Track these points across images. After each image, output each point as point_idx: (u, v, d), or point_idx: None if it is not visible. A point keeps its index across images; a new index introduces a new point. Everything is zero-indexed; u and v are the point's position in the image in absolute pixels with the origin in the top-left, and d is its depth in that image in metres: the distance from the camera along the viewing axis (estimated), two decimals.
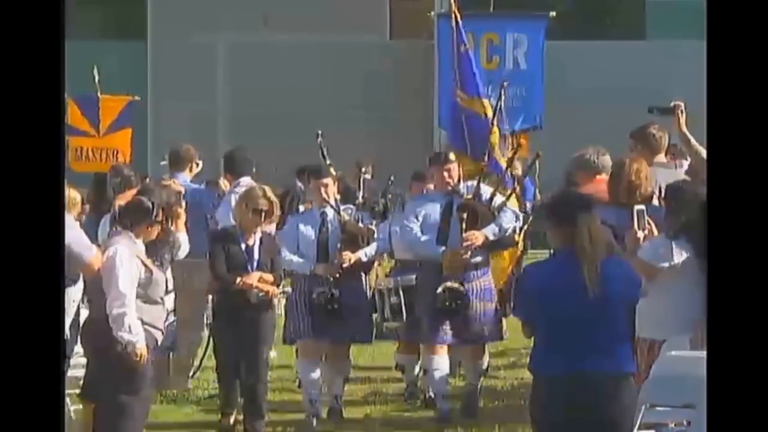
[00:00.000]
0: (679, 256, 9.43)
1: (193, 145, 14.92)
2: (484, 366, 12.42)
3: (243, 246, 11.61)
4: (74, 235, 9.92)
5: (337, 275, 11.86)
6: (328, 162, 12.62)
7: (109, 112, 16.17)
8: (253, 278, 11.50)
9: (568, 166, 11.58)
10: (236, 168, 14.32)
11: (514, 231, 12.14)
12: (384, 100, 27.11)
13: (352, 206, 12.60)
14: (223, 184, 14.59)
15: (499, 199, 12.10)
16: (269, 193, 11.74)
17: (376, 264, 13.09)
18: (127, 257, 9.85)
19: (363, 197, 13.20)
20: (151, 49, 29.09)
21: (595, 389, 7.53)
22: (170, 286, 11.05)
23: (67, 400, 10.84)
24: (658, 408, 8.89)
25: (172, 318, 11.23)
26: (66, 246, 9.79)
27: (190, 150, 14.57)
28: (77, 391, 10.75)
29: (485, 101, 13.80)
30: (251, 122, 25.23)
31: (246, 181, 13.93)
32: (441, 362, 12.03)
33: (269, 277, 11.59)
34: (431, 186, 12.77)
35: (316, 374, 12.00)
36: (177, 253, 11.35)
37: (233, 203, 12.77)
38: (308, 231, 12.12)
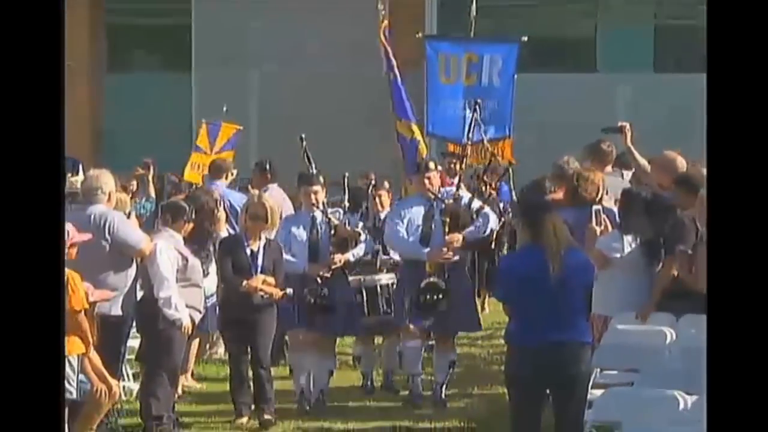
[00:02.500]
0: (628, 248, 9.49)
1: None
2: (453, 358, 11.10)
3: (248, 251, 10.49)
4: (128, 229, 10.01)
5: (328, 275, 10.80)
6: (315, 170, 11.65)
7: (223, 136, 16.10)
8: (257, 281, 10.40)
9: (552, 169, 11.34)
10: (266, 176, 14.31)
11: (491, 232, 11.30)
12: (383, 121, 27.09)
13: (339, 209, 11.64)
14: (252, 189, 14.56)
15: (477, 203, 11.13)
16: (265, 201, 10.74)
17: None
18: (165, 249, 9.98)
19: (349, 201, 11.98)
20: (195, 79, 29.06)
21: (559, 356, 7.53)
22: (212, 274, 11.02)
23: (126, 364, 10.87)
24: (607, 371, 8.89)
25: (213, 300, 11.18)
26: (122, 238, 9.90)
27: (227, 161, 14.56)
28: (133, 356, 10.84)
29: (413, 125, 13.37)
30: (277, 139, 25.18)
31: (272, 187, 13.89)
32: (415, 346, 10.97)
33: (272, 280, 10.47)
34: (384, 194, 11.92)
35: (307, 364, 10.94)
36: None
37: None
38: (300, 233, 10.94)
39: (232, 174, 14.61)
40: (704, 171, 10.65)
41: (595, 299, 7.97)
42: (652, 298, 9.28)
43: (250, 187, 15.14)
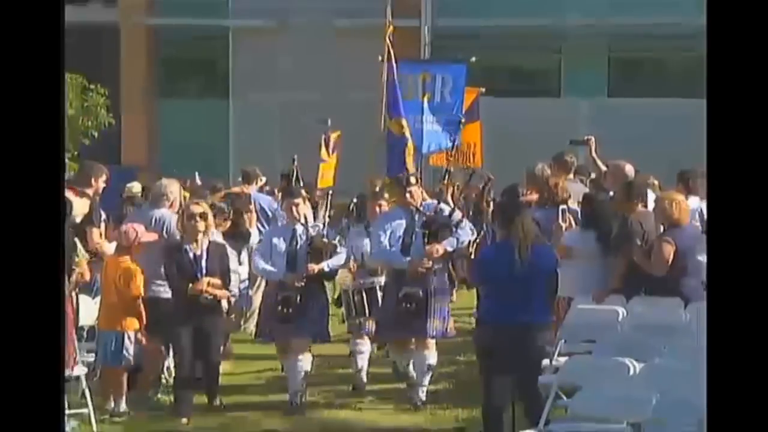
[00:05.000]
0: (587, 241, 9.46)
1: (258, 167, 14.87)
2: (432, 362, 9.73)
3: (191, 255, 9.19)
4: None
5: (303, 283, 9.49)
6: (301, 184, 10.78)
7: (335, 144, 15.73)
8: (202, 284, 9.13)
9: (526, 175, 11.11)
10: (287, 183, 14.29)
11: (469, 243, 9.84)
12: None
13: (319, 224, 10.19)
14: (278, 193, 14.53)
15: (457, 216, 9.77)
16: (198, 203, 9.56)
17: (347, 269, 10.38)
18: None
19: (329, 215, 10.47)
20: (232, 103, 29.11)
21: (524, 333, 7.48)
22: (244, 263, 10.93)
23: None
24: (570, 342, 8.86)
25: (247, 283, 11.09)
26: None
27: (256, 170, 14.52)
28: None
29: (403, 121, 12.10)
30: (299, 152, 25.15)
31: None
32: (405, 354, 9.77)
33: (217, 281, 9.21)
34: (384, 204, 10.47)
35: (288, 367, 9.67)
36: (249, 240, 11.28)
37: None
38: (280, 244, 9.65)
39: (260, 180, 14.58)
40: (652, 180, 10.68)
41: (560, 284, 7.93)
42: (610, 283, 9.25)
43: (276, 191, 15.11)
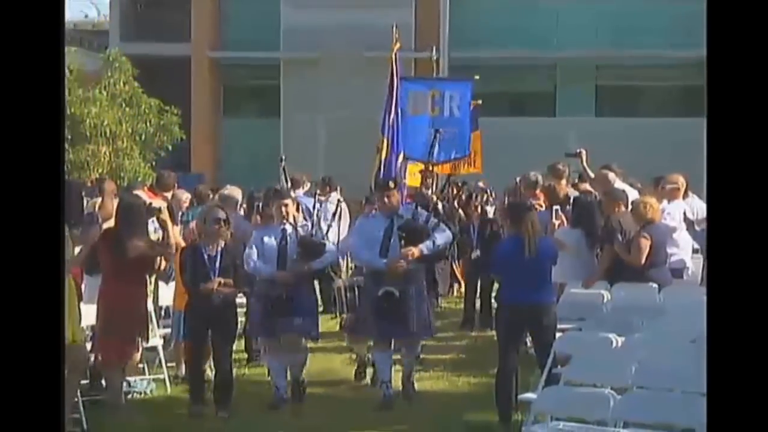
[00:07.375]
0: (577, 237, 9.42)
1: (305, 173, 14.86)
2: (418, 353, 8.76)
3: (206, 256, 8.00)
4: (243, 223, 9.90)
5: (293, 281, 8.21)
6: (289, 185, 9.82)
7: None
8: (214, 283, 7.90)
9: (520, 182, 10.98)
10: (328, 187, 14.27)
11: (446, 246, 8.63)
12: None
13: (308, 223, 8.70)
14: (321, 196, 14.48)
15: (433, 220, 8.54)
16: (219, 208, 8.42)
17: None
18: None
19: (318, 215, 9.08)
20: (283, 122, 29.16)
21: (535, 311, 7.47)
22: None
23: None
24: (563, 320, 8.81)
25: None
26: (237, 226, 9.61)
27: (303, 176, 14.53)
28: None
29: (384, 139, 10.74)
30: (341, 161, 25.17)
31: (332, 196, 13.81)
32: (384, 355, 8.43)
33: (230, 281, 7.98)
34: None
35: (279, 363, 8.44)
36: None
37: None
38: (271, 243, 8.33)
39: (306, 185, 14.56)
40: (636, 183, 10.58)
41: (555, 272, 7.89)
42: (597, 272, 9.21)
43: (317, 194, 15.04)
